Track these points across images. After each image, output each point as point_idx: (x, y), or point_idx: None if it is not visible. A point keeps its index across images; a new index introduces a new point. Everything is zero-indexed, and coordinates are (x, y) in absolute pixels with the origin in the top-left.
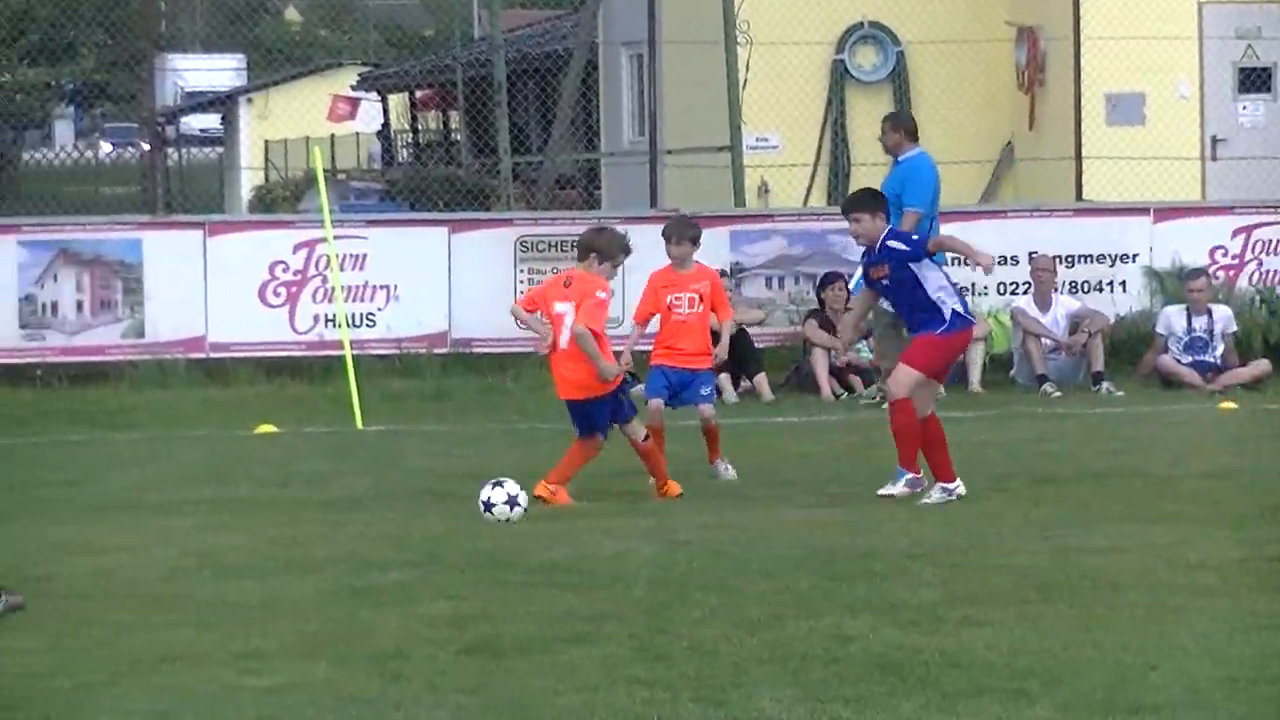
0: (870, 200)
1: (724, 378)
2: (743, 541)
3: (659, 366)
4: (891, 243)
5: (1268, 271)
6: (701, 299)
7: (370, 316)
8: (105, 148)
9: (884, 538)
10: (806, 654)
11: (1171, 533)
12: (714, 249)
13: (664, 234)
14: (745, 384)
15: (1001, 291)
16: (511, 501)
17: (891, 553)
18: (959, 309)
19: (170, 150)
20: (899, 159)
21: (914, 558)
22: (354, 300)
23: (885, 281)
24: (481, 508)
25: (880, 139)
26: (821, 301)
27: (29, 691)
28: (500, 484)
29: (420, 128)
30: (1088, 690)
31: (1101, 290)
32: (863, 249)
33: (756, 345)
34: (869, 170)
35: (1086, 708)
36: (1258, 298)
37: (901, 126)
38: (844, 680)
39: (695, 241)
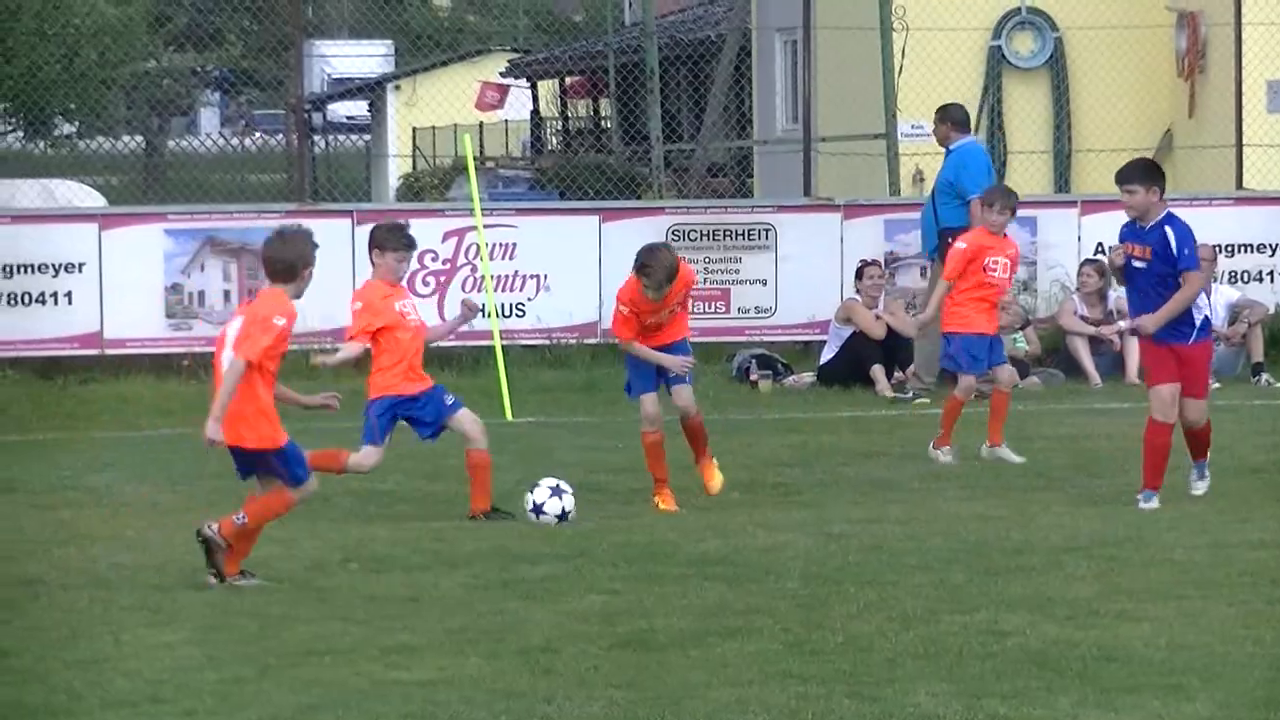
0: (1145, 172)
1: (877, 369)
2: (897, 535)
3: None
4: (1169, 230)
5: None
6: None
7: (520, 306)
8: (251, 135)
9: (1038, 531)
10: (962, 649)
11: None
12: (868, 238)
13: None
14: (899, 375)
15: None
16: (563, 515)
17: (1046, 547)
18: (1208, 316)
19: (317, 138)
20: (949, 149)
21: (1069, 551)
22: (504, 290)
23: (1141, 265)
24: (533, 514)
25: (932, 132)
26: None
27: (178, 684)
28: (560, 492)
29: (570, 115)
30: (1247, 687)
31: (1261, 280)
32: (1127, 224)
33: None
34: (1026, 158)
35: (1247, 704)
36: None
37: (948, 118)
38: (1000, 675)
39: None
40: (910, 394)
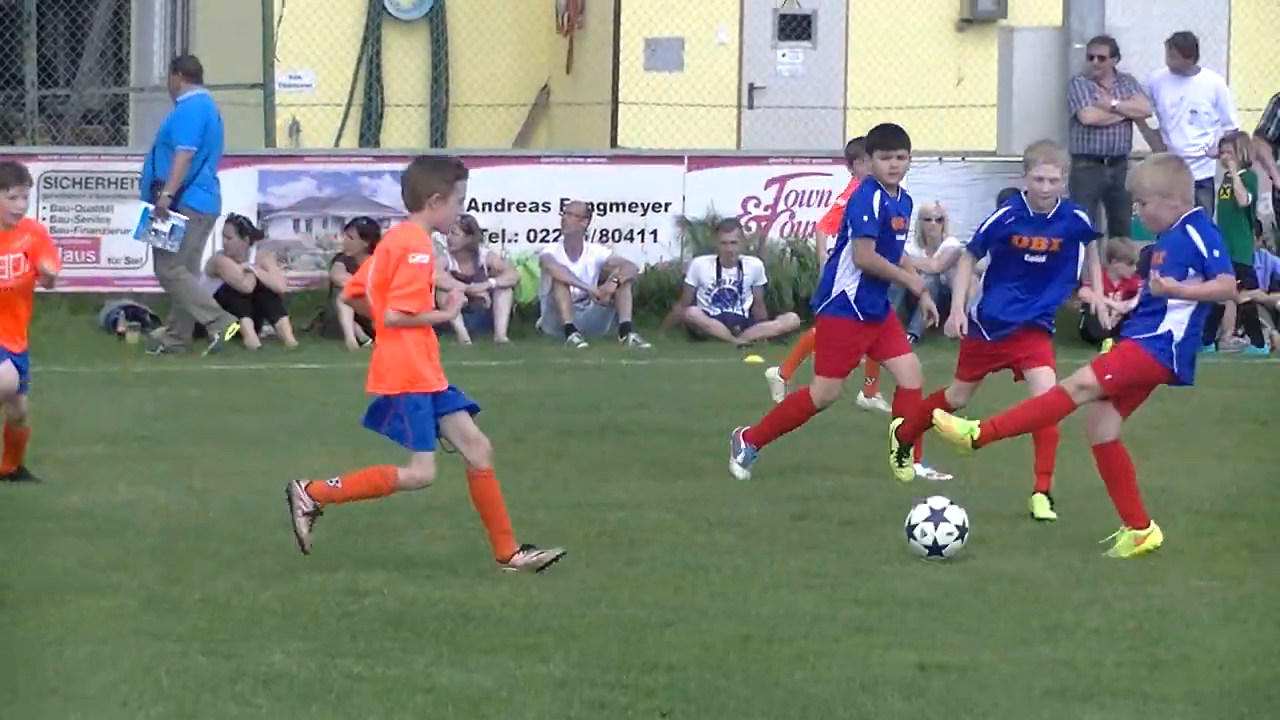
0: None
1: (246, 322)
2: (261, 491)
3: None
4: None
5: (800, 223)
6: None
7: None
8: None
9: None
10: (319, 608)
11: (693, 489)
12: (241, 190)
13: None
14: (268, 329)
15: (531, 239)
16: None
17: (408, 507)
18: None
19: None
20: (177, 100)
21: (430, 511)
22: None
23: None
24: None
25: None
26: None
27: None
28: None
29: None
30: (601, 648)
31: (633, 239)
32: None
33: (284, 290)
34: (404, 111)
35: (600, 665)
36: (789, 250)
37: (180, 69)
38: (356, 635)
39: None
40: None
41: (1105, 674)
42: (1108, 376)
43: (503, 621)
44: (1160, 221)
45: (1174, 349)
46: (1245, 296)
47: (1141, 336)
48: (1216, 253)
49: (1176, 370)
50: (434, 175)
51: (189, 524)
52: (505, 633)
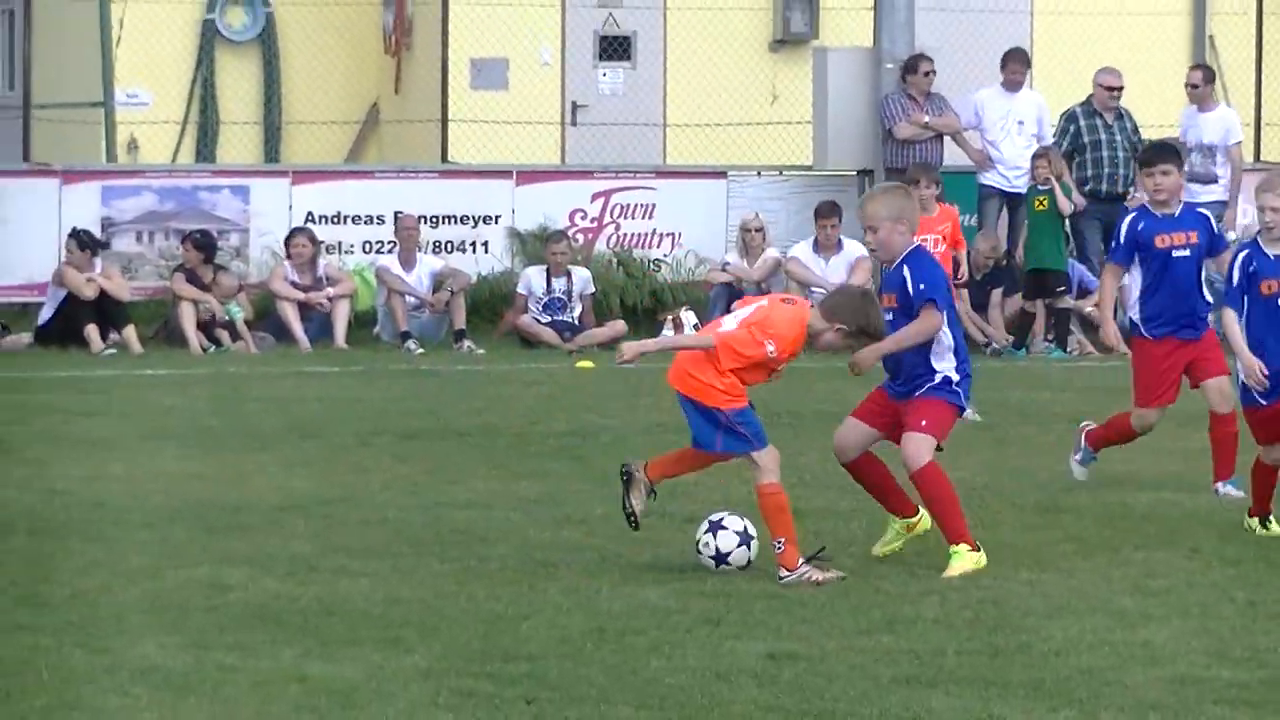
0: (1176, 153)
1: (91, 329)
2: (119, 492)
3: None
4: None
5: (625, 235)
6: None
7: None
8: None
9: (255, 491)
10: (186, 603)
11: (537, 489)
12: (85, 204)
13: None
14: (114, 336)
15: (367, 250)
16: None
17: (264, 506)
18: None
19: None
20: None
21: (286, 510)
22: None
23: (1187, 253)
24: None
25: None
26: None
27: None
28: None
29: None
30: (462, 640)
31: (465, 250)
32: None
33: (127, 299)
34: (239, 129)
35: (463, 656)
36: (615, 260)
37: None
38: (224, 628)
39: None
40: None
41: (948, 662)
42: (938, 443)
43: (365, 616)
44: (892, 248)
45: (958, 388)
46: (1067, 303)
47: (930, 394)
48: (923, 286)
49: (964, 404)
50: None
51: (53, 525)
52: (368, 626)
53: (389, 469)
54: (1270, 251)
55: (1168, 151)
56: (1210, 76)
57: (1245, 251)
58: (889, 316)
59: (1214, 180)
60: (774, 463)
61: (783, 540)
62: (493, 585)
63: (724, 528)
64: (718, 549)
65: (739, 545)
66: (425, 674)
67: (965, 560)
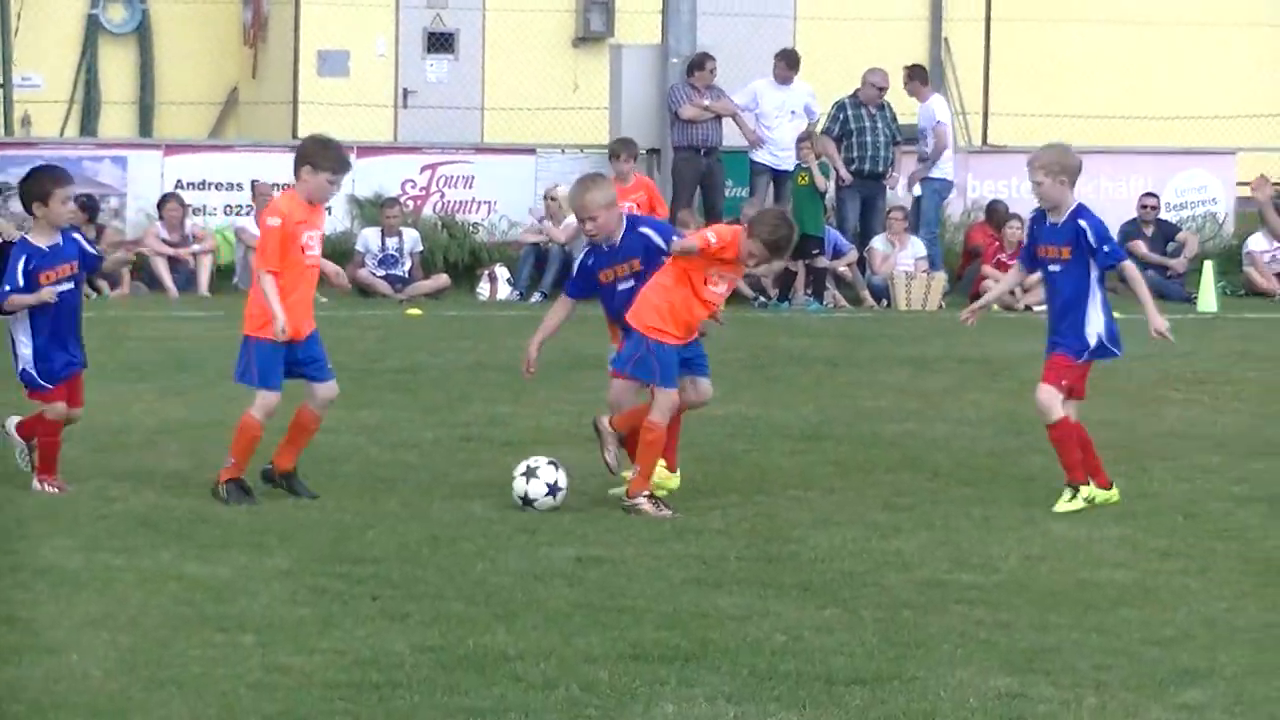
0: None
1: None
2: None
3: None
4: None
5: (449, 202)
6: None
7: None
8: None
9: (135, 416)
10: (78, 513)
11: (375, 417)
12: None
13: None
14: None
15: (227, 212)
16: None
17: (143, 429)
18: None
19: None
20: None
21: (162, 433)
22: None
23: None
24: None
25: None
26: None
27: None
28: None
29: None
30: (317, 545)
31: None
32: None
33: None
34: (118, 107)
35: (317, 559)
36: (440, 223)
37: None
38: (113, 533)
39: None
40: None
41: (730, 566)
42: None
43: (232, 524)
44: (609, 230)
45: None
46: (822, 263)
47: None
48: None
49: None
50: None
51: None
52: (235, 533)
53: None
54: (1049, 220)
55: None
56: (917, 74)
57: (1032, 218)
58: (630, 283)
59: (925, 158)
60: (668, 405)
61: (638, 469)
62: (341, 498)
63: (536, 476)
64: (526, 493)
65: (546, 494)
66: (285, 573)
67: None
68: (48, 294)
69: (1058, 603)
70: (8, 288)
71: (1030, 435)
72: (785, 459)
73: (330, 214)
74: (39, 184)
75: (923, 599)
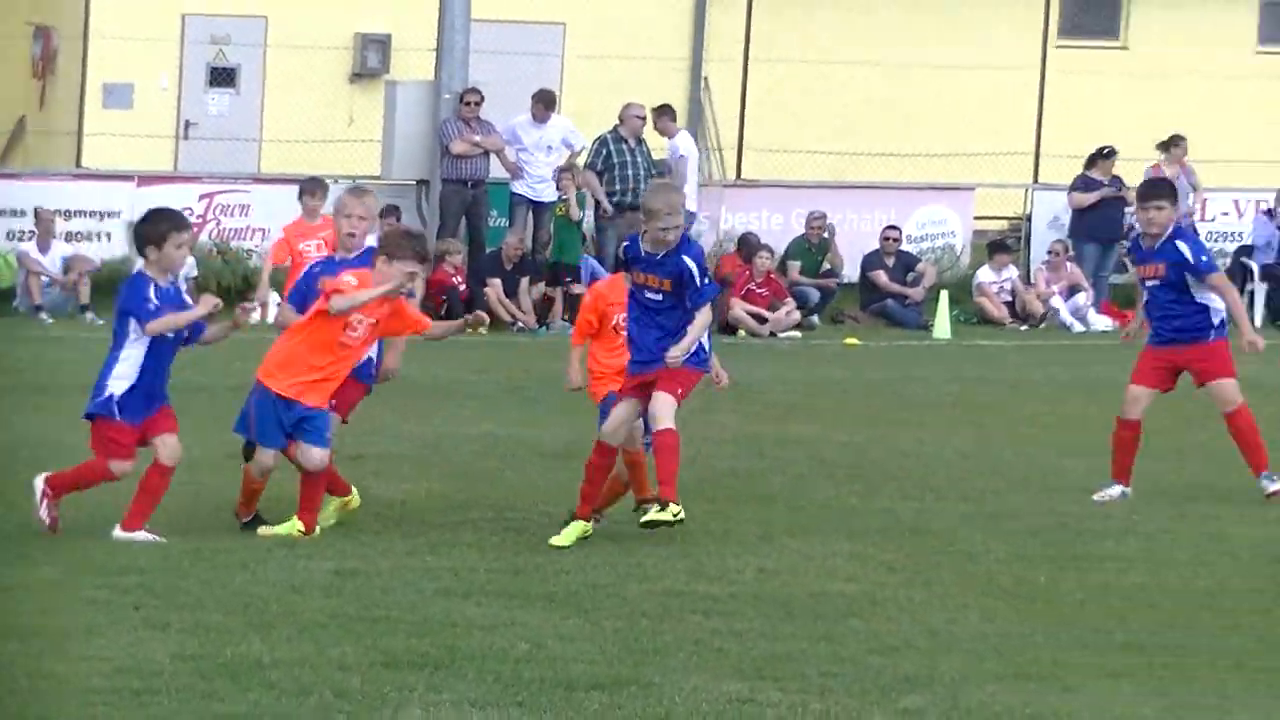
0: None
1: None
2: None
3: None
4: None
5: (225, 229)
6: None
7: None
8: None
9: None
10: None
11: None
12: None
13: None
14: None
15: (10, 237)
16: None
17: None
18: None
19: None
20: None
21: None
22: None
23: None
24: None
25: None
26: None
27: None
28: None
29: None
30: (86, 556)
31: (92, 239)
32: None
33: None
34: None
35: (86, 569)
36: (215, 249)
37: None
38: None
39: None
40: None
41: (479, 578)
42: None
43: (3, 535)
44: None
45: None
46: (578, 290)
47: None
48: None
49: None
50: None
51: None
52: (5, 544)
53: (27, 415)
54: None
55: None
56: (666, 111)
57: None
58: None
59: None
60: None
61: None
62: (112, 513)
63: None
64: None
65: None
66: (56, 584)
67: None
68: (210, 304)
69: (789, 613)
70: (151, 306)
71: (771, 457)
72: (538, 476)
73: (110, 240)
74: (156, 226)
75: (661, 609)
